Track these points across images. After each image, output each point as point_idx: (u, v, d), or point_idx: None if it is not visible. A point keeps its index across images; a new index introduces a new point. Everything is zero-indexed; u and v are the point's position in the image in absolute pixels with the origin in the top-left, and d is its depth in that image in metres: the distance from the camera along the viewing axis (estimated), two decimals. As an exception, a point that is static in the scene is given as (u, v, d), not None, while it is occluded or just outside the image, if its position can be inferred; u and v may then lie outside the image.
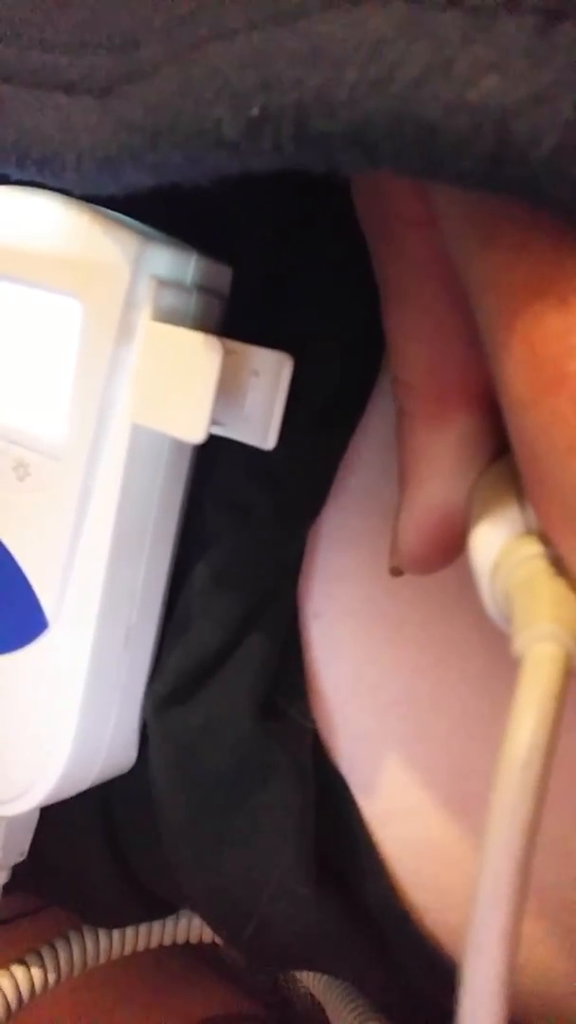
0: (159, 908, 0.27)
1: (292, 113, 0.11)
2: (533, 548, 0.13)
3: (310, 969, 0.27)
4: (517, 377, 0.11)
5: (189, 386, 0.15)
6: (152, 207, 0.17)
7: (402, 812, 0.19)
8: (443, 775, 0.19)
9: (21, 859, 0.22)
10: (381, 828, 0.20)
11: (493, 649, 0.18)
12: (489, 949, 0.10)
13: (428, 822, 0.19)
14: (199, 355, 0.15)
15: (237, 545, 0.19)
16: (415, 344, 0.14)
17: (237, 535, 0.19)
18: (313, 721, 0.20)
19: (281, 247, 0.18)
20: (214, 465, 0.19)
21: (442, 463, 0.15)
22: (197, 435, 0.15)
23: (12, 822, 0.21)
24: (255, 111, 0.11)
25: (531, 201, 0.10)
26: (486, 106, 0.10)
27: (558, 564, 0.13)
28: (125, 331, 0.16)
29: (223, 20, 0.13)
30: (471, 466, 0.15)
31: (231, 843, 0.21)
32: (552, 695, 0.11)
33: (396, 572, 0.16)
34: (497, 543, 0.13)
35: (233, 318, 0.18)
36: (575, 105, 0.09)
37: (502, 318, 0.11)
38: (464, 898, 0.19)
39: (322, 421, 0.18)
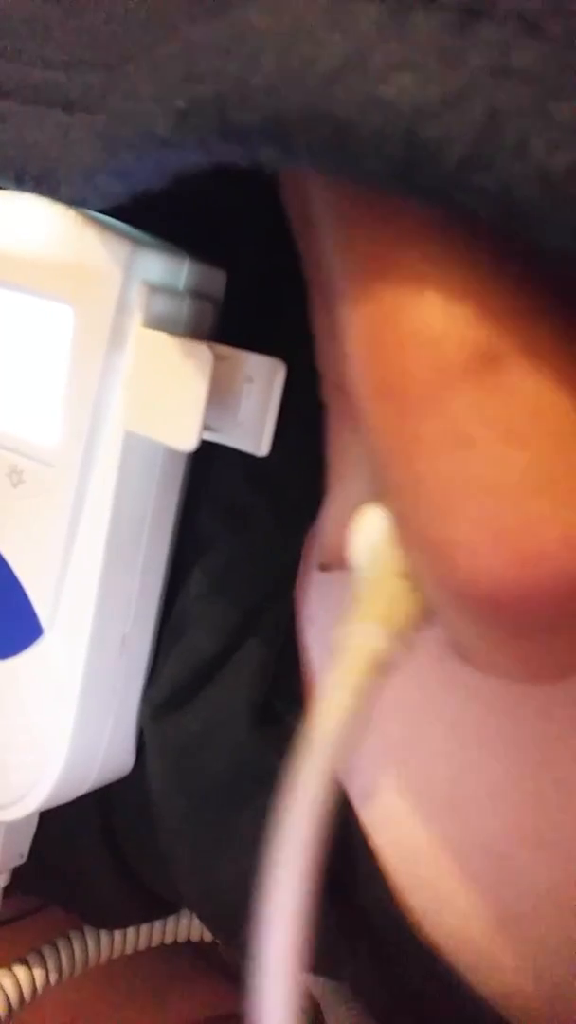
0: (159, 908, 0.28)
1: (212, 105, 0.11)
2: (396, 549, 0.13)
3: (308, 969, 0.28)
4: (353, 375, 0.11)
5: (180, 394, 0.15)
6: (146, 212, 0.17)
7: (397, 819, 0.19)
8: (437, 784, 0.18)
9: (21, 861, 0.23)
10: (377, 834, 0.20)
11: (474, 675, 0.17)
12: (276, 938, 0.11)
13: (423, 829, 0.19)
14: (190, 363, 0.15)
15: (233, 550, 0.19)
16: (336, 343, 0.14)
17: (233, 540, 0.19)
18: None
19: (276, 251, 0.18)
20: (210, 470, 0.19)
21: (362, 462, 0.15)
22: (188, 443, 0.15)
23: (11, 825, 0.21)
24: (181, 104, 0.11)
25: (443, 207, 0.10)
26: (397, 106, 0.09)
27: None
28: (117, 337, 0.16)
29: (175, 20, 0.12)
30: None
31: (228, 848, 0.21)
32: (358, 692, 0.11)
33: (323, 568, 0.16)
34: (368, 542, 0.13)
35: (227, 323, 0.18)
36: (488, 111, 0.09)
37: (344, 310, 0.11)
38: (461, 905, 0.19)
39: (317, 426, 0.18)
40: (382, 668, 0.12)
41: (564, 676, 0.12)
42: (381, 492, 0.12)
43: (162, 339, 0.16)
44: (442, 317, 0.10)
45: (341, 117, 0.09)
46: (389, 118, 0.09)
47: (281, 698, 0.20)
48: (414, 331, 0.10)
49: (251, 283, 0.18)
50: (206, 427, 0.15)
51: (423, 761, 0.19)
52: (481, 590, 0.10)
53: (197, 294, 0.17)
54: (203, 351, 0.15)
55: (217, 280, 0.18)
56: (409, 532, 0.11)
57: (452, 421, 0.10)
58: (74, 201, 0.15)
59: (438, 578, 0.11)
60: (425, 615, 0.12)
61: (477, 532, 0.10)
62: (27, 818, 0.21)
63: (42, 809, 0.19)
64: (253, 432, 0.16)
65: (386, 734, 0.19)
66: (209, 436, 0.16)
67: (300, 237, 0.14)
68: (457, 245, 0.10)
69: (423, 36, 0.09)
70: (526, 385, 0.10)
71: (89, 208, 0.16)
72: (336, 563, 0.16)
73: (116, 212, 0.17)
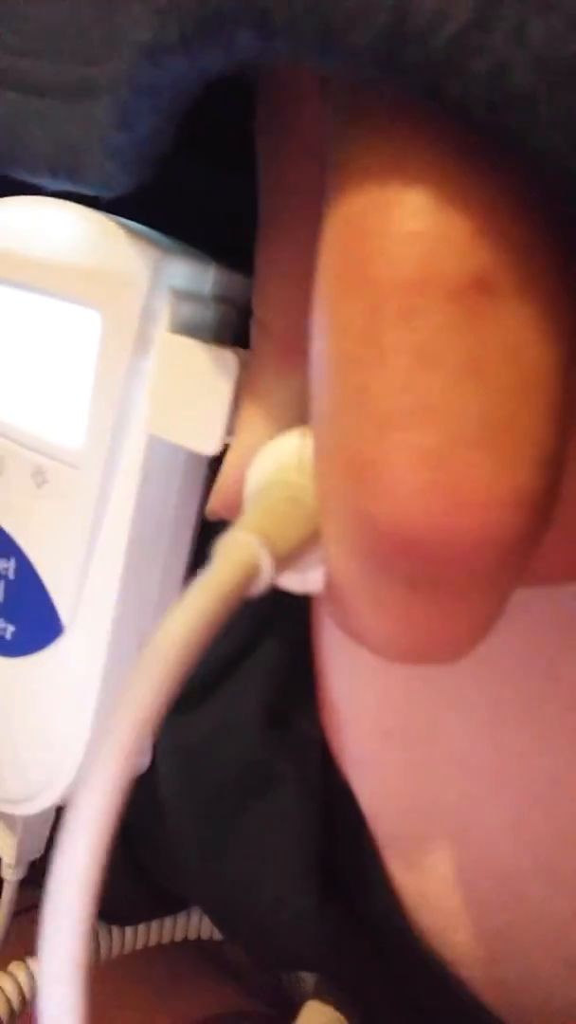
0: (168, 905, 0.28)
1: None
2: (295, 477, 0.12)
3: (313, 971, 0.28)
4: (327, 270, 0.10)
5: (205, 398, 0.15)
6: (171, 217, 0.17)
7: (404, 831, 0.19)
8: (444, 800, 0.18)
9: (38, 855, 0.23)
10: (385, 844, 0.20)
11: (491, 679, 0.17)
12: (81, 830, 0.10)
13: (431, 844, 0.19)
14: (215, 368, 0.15)
15: None
16: (278, 285, 0.14)
17: None
18: (322, 731, 0.21)
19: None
20: None
21: (272, 412, 0.14)
22: (212, 447, 0.15)
23: (29, 820, 0.21)
24: (162, 3, 0.11)
25: (421, 97, 0.09)
26: None
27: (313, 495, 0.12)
28: (142, 343, 0.16)
29: None
30: (306, 419, 0.14)
31: (236, 850, 0.21)
32: (217, 599, 0.10)
33: (211, 513, 0.16)
34: (268, 468, 0.13)
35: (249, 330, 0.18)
36: None
37: (335, 203, 0.10)
38: (467, 924, 0.19)
39: None
40: (250, 579, 0.11)
41: (439, 658, 0.12)
42: (311, 407, 0.11)
43: (188, 344, 0.16)
44: (446, 225, 0.09)
45: None
46: None
47: (293, 703, 0.20)
48: (414, 230, 0.09)
49: None
50: (229, 431, 0.16)
51: (438, 781, 0.19)
52: (393, 520, 0.10)
53: (222, 300, 0.17)
54: (228, 357, 0.15)
55: (241, 286, 0.18)
56: (332, 445, 0.11)
57: (421, 336, 0.09)
58: (99, 183, 0.15)
59: (351, 500, 0.10)
60: (309, 542, 0.12)
61: (409, 459, 0.10)
62: (45, 813, 0.21)
63: (62, 803, 0.20)
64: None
65: (404, 748, 0.19)
66: (230, 440, 0.17)
67: (266, 157, 0.14)
68: (467, 161, 0.09)
69: None
70: (512, 324, 0.09)
71: (115, 190, 0.16)
72: (223, 509, 0.15)
73: (145, 220, 0.17)
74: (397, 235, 0.09)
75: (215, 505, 0.15)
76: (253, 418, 0.14)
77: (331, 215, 0.10)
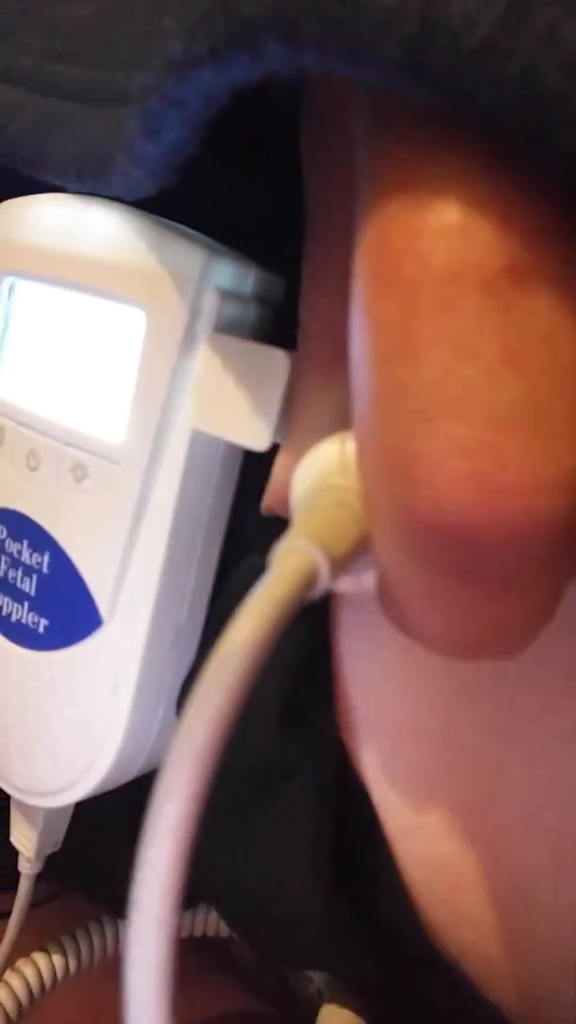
0: (184, 900, 0.28)
1: (221, 7, 0.10)
2: (341, 480, 0.13)
3: (321, 970, 0.28)
4: (362, 270, 0.10)
5: (255, 396, 0.16)
6: (206, 219, 0.18)
7: (417, 831, 0.19)
8: (456, 799, 0.19)
9: (55, 849, 0.23)
10: (398, 843, 0.20)
11: (507, 677, 0.18)
12: (164, 834, 0.10)
13: (443, 844, 0.19)
14: (266, 367, 0.16)
15: (271, 550, 0.19)
16: (323, 295, 0.14)
17: (274, 541, 0.19)
18: (339, 730, 0.21)
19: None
20: (255, 471, 0.20)
21: (321, 419, 0.14)
22: (262, 443, 0.16)
23: (51, 813, 0.22)
24: (192, 17, 0.11)
25: (454, 100, 0.09)
26: None
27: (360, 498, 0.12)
28: (188, 341, 0.17)
29: None
30: (351, 424, 0.14)
31: (249, 845, 0.21)
32: (278, 604, 0.11)
33: (267, 510, 0.16)
34: (314, 473, 0.13)
35: (284, 328, 0.19)
36: None
37: (368, 205, 0.10)
38: (479, 919, 0.19)
39: None
40: (310, 584, 0.11)
41: (497, 652, 0.11)
42: (352, 405, 0.11)
43: (237, 344, 0.16)
44: (475, 218, 0.09)
45: None
46: None
47: (312, 700, 0.21)
48: (444, 225, 0.09)
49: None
50: (277, 429, 0.16)
51: (451, 780, 0.19)
52: (437, 511, 0.10)
53: (261, 299, 0.18)
54: (279, 355, 0.16)
55: (278, 286, 0.18)
56: (374, 442, 0.11)
57: (458, 328, 0.09)
58: (125, 187, 0.15)
59: (395, 495, 0.10)
60: (360, 546, 0.12)
61: (449, 450, 0.10)
62: (67, 806, 0.22)
63: (92, 795, 0.20)
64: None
65: (417, 747, 0.19)
66: (282, 443, 0.17)
67: (312, 170, 0.14)
68: (494, 158, 0.09)
69: None
70: (546, 310, 0.09)
71: (139, 193, 0.16)
72: (278, 506, 0.16)
73: (187, 221, 0.18)
74: (427, 231, 0.10)
75: (271, 502, 0.16)
76: (302, 423, 0.15)
77: (363, 218, 0.10)
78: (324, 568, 0.11)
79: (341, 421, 0.14)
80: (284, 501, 0.15)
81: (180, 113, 0.12)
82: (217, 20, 0.10)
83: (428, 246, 0.10)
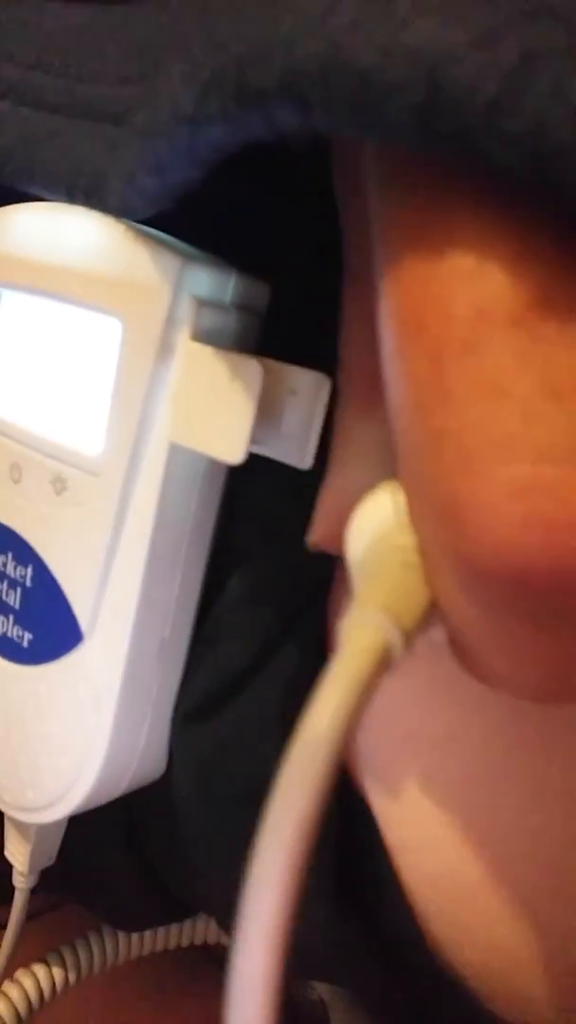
0: (179, 911, 0.28)
1: (233, 71, 0.10)
2: (400, 539, 0.12)
3: (324, 982, 0.28)
4: (386, 324, 0.10)
5: (229, 407, 0.15)
6: (191, 224, 0.17)
7: (417, 844, 0.19)
8: (457, 813, 0.18)
9: (50, 863, 0.23)
10: (399, 856, 0.20)
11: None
12: (255, 936, 0.10)
13: (443, 856, 0.19)
14: (239, 376, 0.15)
15: (268, 562, 0.19)
16: (359, 327, 0.14)
17: (268, 552, 0.19)
18: None
19: (318, 264, 0.19)
20: (247, 482, 0.19)
21: (363, 452, 0.14)
22: (236, 456, 0.15)
23: (43, 828, 0.21)
24: (205, 75, 0.11)
25: (465, 159, 0.09)
26: (421, 50, 0.09)
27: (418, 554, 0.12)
28: (165, 350, 0.16)
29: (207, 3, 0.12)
30: (392, 458, 0.14)
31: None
32: (357, 684, 0.10)
33: (312, 545, 0.16)
34: (370, 531, 0.13)
35: (270, 335, 0.18)
36: (521, 52, 0.08)
37: (384, 258, 0.10)
38: (479, 931, 0.19)
39: None
40: (385, 661, 0.11)
41: None
42: (396, 458, 0.11)
43: (210, 352, 0.16)
44: (490, 257, 0.09)
45: (360, 66, 0.09)
46: (411, 63, 0.09)
47: None
48: (460, 268, 0.09)
49: (294, 296, 0.18)
50: (253, 440, 0.16)
51: (452, 788, 0.19)
52: (495, 558, 0.10)
53: (243, 308, 0.17)
54: (252, 365, 0.15)
55: (261, 293, 0.18)
56: (422, 495, 0.11)
57: (487, 369, 0.09)
58: (121, 210, 0.15)
59: (447, 544, 0.10)
60: (431, 609, 0.12)
61: (498, 493, 0.09)
62: (58, 822, 0.21)
63: (78, 812, 0.19)
64: (296, 445, 0.16)
65: (419, 754, 0.19)
66: (253, 448, 0.17)
67: (345, 215, 0.14)
68: (503, 196, 0.09)
69: None
70: (572, 339, 0.09)
71: (136, 216, 0.16)
72: (327, 545, 0.15)
73: (164, 226, 0.17)
74: (445, 278, 0.10)
75: (318, 540, 0.16)
76: (344, 458, 0.15)
77: (381, 272, 0.10)
78: (397, 642, 0.11)
79: (383, 454, 0.14)
80: (333, 540, 0.15)
81: (189, 160, 0.12)
82: (228, 84, 0.10)
83: (447, 292, 0.10)
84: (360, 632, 0.11)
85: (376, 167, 0.11)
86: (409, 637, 0.11)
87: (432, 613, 0.12)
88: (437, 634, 0.12)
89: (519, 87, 0.08)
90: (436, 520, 0.10)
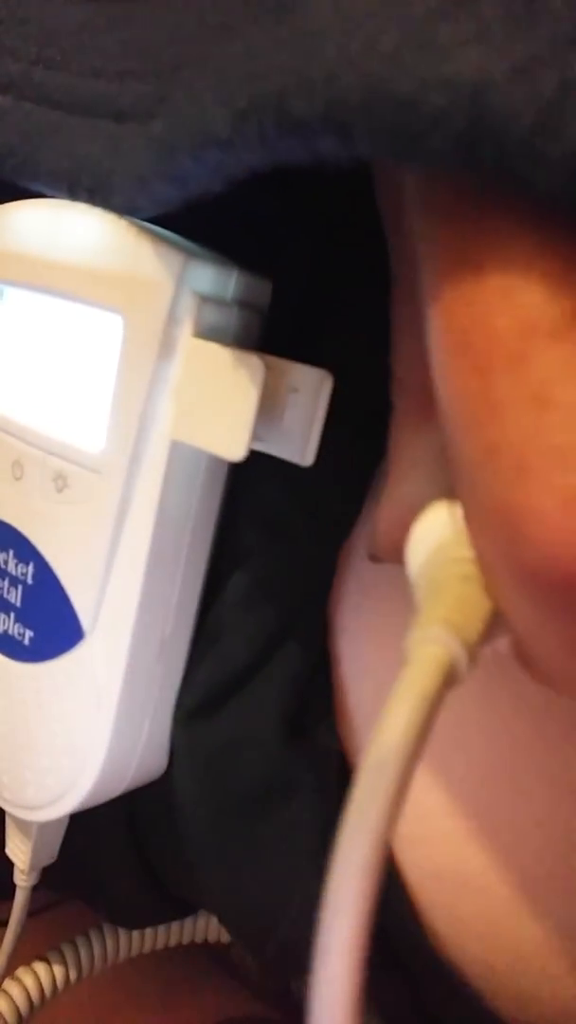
0: (180, 909, 0.28)
1: (274, 100, 0.11)
2: (458, 551, 0.12)
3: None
4: (434, 341, 0.11)
5: (230, 404, 0.15)
6: (193, 220, 0.17)
7: (421, 840, 0.19)
8: (461, 809, 0.18)
9: (51, 861, 0.23)
10: (402, 852, 0.20)
11: (517, 686, 0.17)
12: (335, 951, 0.10)
13: (446, 852, 0.19)
14: (240, 373, 0.15)
15: (270, 561, 0.19)
16: (411, 341, 0.14)
17: (269, 550, 0.19)
18: (340, 741, 0.20)
19: (321, 261, 0.19)
20: (249, 479, 0.19)
21: (420, 463, 0.15)
22: (237, 453, 0.15)
23: (44, 826, 0.21)
24: (242, 103, 0.11)
25: (505, 184, 0.09)
26: (462, 80, 0.09)
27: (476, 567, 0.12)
28: (166, 347, 0.16)
29: (232, 22, 0.13)
30: (448, 470, 0.14)
31: (252, 860, 0.21)
32: (425, 699, 0.11)
33: (373, 559, 0.16)
34: (428, 543, 0.13)
35: (272, 332, 0.18)
36: (560, 81, 0.09)
37: (429, 276, 0.11)
38: (481, 929, 0.19)
39: (359, 438, 0.18)
40: (451, 676, 0.11)
41: None
42: (452, 472, 0.12)
43: (212, 349, 0.16)
44: (532, 272, 0.10)
45: (402, 97, 0.09)
46: (453, 93, 0.09)
47: (312, 711, 0.20)
48: (503, 284, 0.10)
49: (296, 294, 0.18)
50: (255, 437, 0.16)
51: (447, 787, 0.19)
52: (555, 566, 0.10)
53: (244, 304, 0.17)
54: (254, 361, 0.15)
55: (263, 290, 0.18)
56: (479, 506, 0.11)
57: (533, 381, 0.10)
58: (126, 209, 0.15)
59: (507, 554, 0.10)
60: (494, 621, 0.12)
61: (554, 502, 0.10)
62: (60, 820, 0.21)
63: (79, 810, 0.19)
64: (298, 442, 0.16)
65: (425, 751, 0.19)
66: (255, 445, 0.16)
67: (390, 230, 0.14)
68: (543, 214, 0.10)
69: (490, 9, 0.09)
70: None
71: (141, 215, 0.16)
72: (385, 557, 0.16)
73: (164, 222, 0.17)
74: (488, 293, 0.10)
75: (376, 552, 0.16)
76: (402, 470, 0.15)
77: (426, 292, 0.11)
78: (462, 657, 0.11)
79: (439, 466, 0.14)
80: (391, 551, 0.15)
81: (217, 176, 0.13)
82: (268, 112, 0.11)
83: (491, 308, 0.10)
84: (425, 649, 0.11)
85: (417, 188, 0.11)
86: (472, 650, 0.11)
87: (494, 624, 0.12)
88: (501, 644, 0.12)
89: (559, 114, 0.09)
90: (494, 531, 0.11)
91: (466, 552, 0.12)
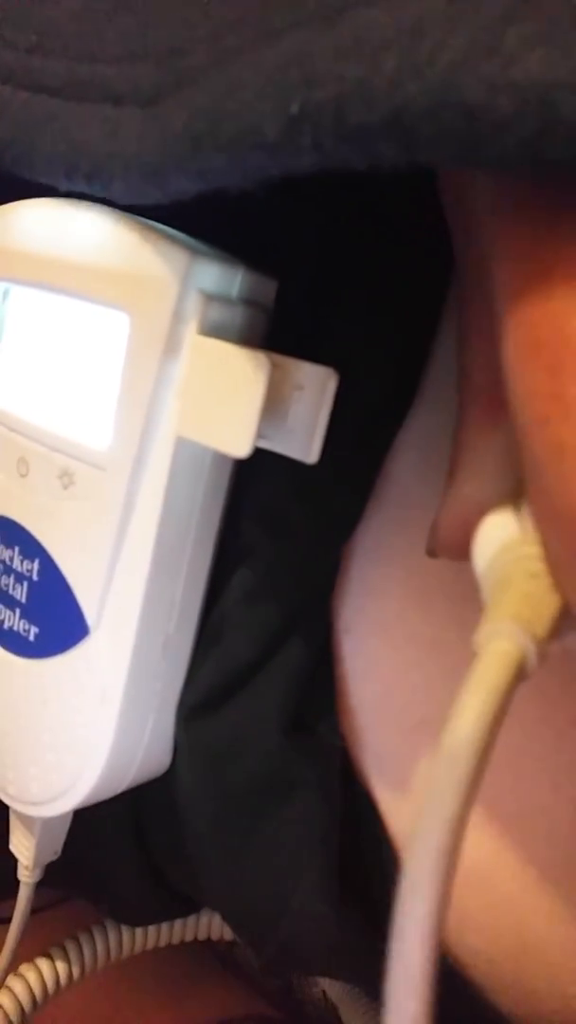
0: (183, 907, 0.28)
1: (331, 108, 0.11)
2: (525, 549, 0.13)
3: (329, 977, 0.28)
4: (506, 343, 0.11)
5: (235, 401, 0.15)
6: (198, 218, 0.17)
7: None
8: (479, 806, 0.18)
9: (55, 858, 0.23)
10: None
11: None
12: (412, 935, 0.10)
13: None
14: (246, 370, 0.15)
15: (273, 558, 0.19)
16: (481, 341, 0.14)
17: (273, 548, 0.19)
18: (342, 738, 0.20)
19: (326, 260, 0.19)
20: (253, 477, 0.19)
21: (486, 463, 0.15)
22: (243, 450, 0.16)
23: (47, 822, 0.21)
24: (295, 109, 0.11)
25: (571, 178, 0.10)
26: (531, 83, 0.09)
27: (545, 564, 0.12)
28: (172, 345, 0.16)
29: (270, 22, 0.12)
30: (515, 471, 0.14)
31: (254, 856, 0.21)
32: (497, 692, 0.11)
33: (431, 553, 0.17)
34: (495, 542, 0.13)
35: (277, 330, 0.18)
36: None
37: (500, 279, 0.11)
38: (483, 922, 0.19)
39: (363, 437, 0.18)
40: (521, 669, 0.11)
41: None
42: (521, 470, 0.12)
43: (217, 347, 0.16)
44: None
45: (469, 104, 0.09)
46: (523, 97, 0.09)
47: (314, 709, 0.20)
48: (573, 286, 0.10)
49: (302, 292, 0.18)
50: (260, 434, 0.16)
51: None
52: None
53: (250, 302, 0.17)
54: (260, 359, 0.15)
55: (269, 289, 0.18)
56: (547, 504, 0.11)
57: None
58: (128, 197, 0.15)
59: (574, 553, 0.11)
60: (563, 616, 0.12)
61: None
62: (63, 816, 0.21)
63: (83, 806, 0.20)
64: (302, 439, 0.16)
65: (417, 749, 0.19)
66: (259, 443, 0.17)
67: (456, 231, 0.15)
68: None
69: (555, 11, 0.09)
70: None
71: (137, 201, 0.16)
72: (446, 554, 0.16)
73: (171, 220, 0.17)
74: (559, 295, 0.10)
75: (438, 549, 0.16)
76: (468, 469, 0.15)
77: (497, 292, 0.11)
78: (532, 652, 0.11)
79: (506, 466, 0.14)
80: (456, 549, 0.15)
81: (252, 175, 0.12)
82: (324, 119, 0.11)
83: (562, 310, 0.10)
84: (496, 643, 0.11)
85: (485, 192, 0.11)
86: (542, 644, 0.12)
87: (562, 620, 0.12)
88: (570, 640, 0.13)
89: None
90: (562, 527, 0.11)
91: (534, 549, 0.13)
